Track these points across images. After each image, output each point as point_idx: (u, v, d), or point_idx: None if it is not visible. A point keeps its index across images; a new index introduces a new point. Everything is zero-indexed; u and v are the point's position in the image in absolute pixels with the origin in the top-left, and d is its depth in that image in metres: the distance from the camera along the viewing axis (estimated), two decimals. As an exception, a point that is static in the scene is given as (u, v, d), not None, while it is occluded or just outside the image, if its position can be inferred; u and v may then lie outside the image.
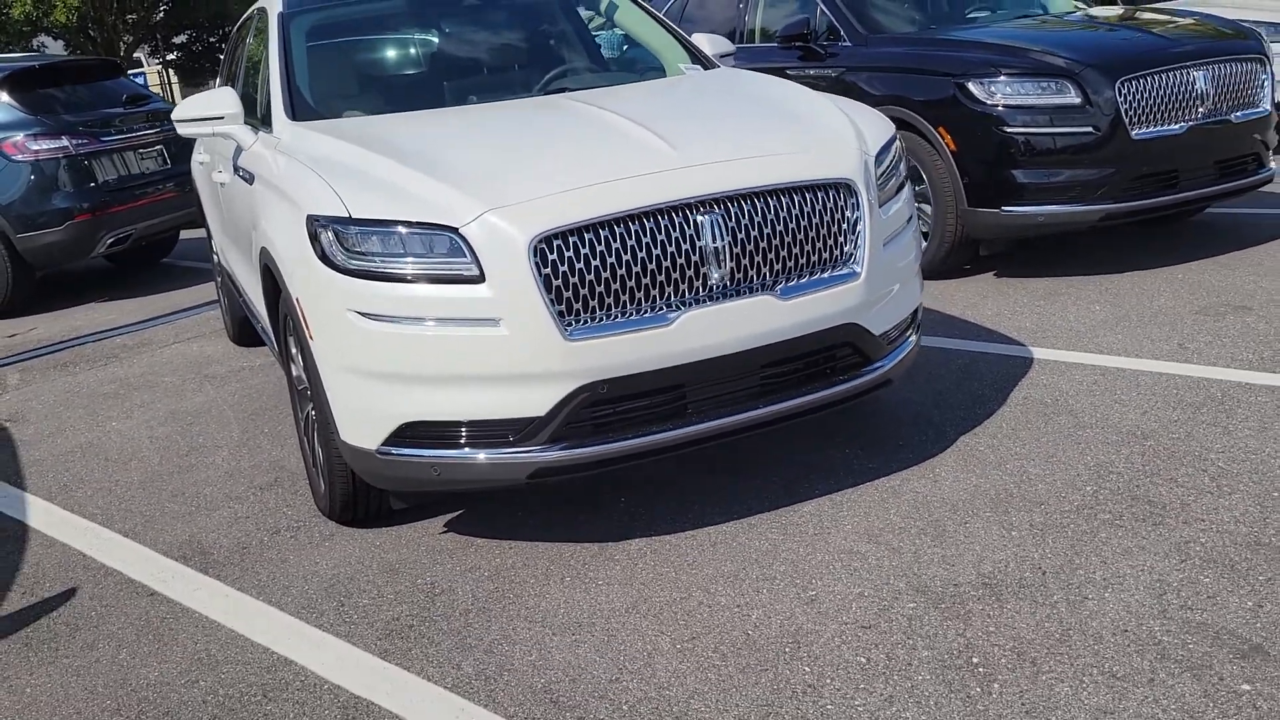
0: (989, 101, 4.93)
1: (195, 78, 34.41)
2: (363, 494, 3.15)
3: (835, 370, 3.02)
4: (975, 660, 2.29)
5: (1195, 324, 4.22)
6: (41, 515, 3.73)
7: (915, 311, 3.31)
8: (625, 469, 3.04)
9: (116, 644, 2.79)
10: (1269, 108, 5.13)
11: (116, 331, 6.55)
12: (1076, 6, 6.22)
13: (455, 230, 2.68)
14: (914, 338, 3.30)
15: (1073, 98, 4.79)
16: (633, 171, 2.78)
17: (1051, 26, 5.65)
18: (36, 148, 7.01)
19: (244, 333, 5.50)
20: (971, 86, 4.98)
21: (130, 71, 31.45)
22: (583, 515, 3.19)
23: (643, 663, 2.43)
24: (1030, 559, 2.66)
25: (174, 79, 36.61)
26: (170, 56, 33.11)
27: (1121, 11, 6.17)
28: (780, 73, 6.09)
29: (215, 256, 5.57)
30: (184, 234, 8.73)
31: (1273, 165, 5.31)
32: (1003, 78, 4.92)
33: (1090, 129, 4.78)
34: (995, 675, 2.23)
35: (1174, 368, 3.80)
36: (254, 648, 2.68)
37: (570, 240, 2.66)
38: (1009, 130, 4.88)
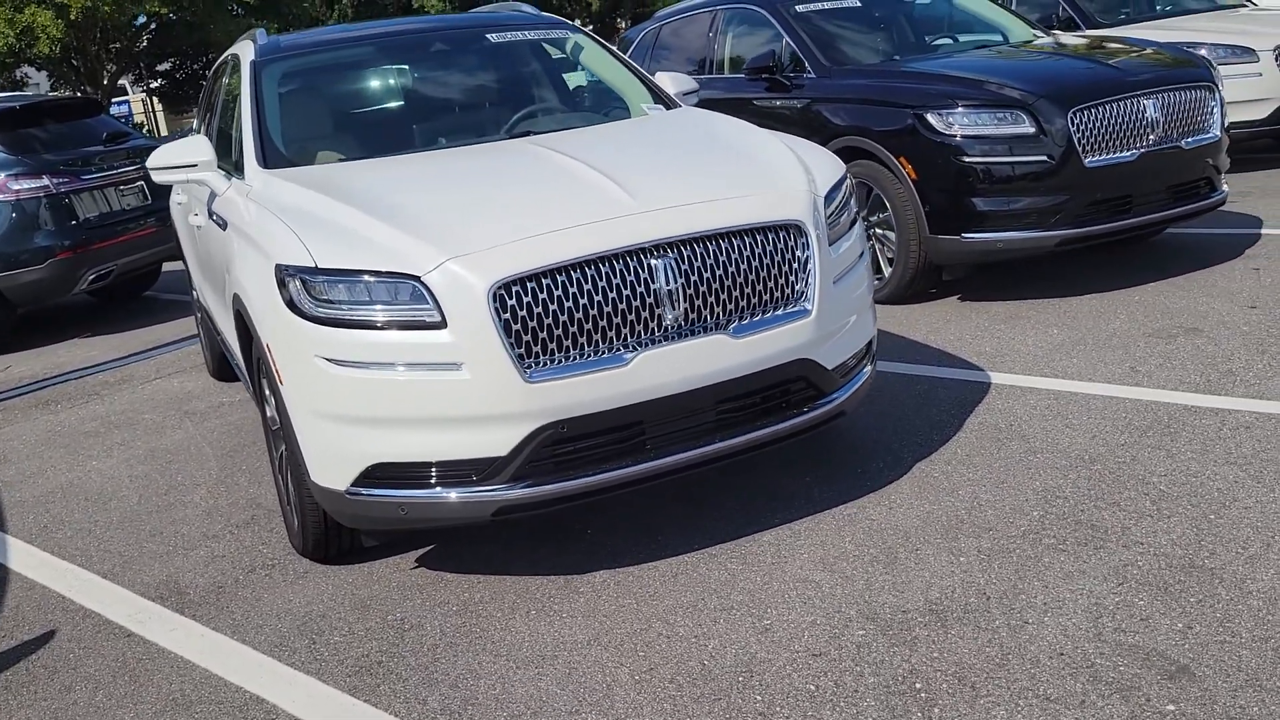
0: (947, 132, 5.07)
1: (179, 105, 34.59)
2: (334, 532, 3.24)
3: (790, 404, 3.13)
4: (918, 686, 2.39)
5: (1147, 346, 4.35)
6: (22, 557, 3.81)
7: (869, 343, 3.43)
8: (590, 502, 3.13)
9: (94, 686, 2.87)
10: (1219, 133, 5.29)
11: (98, 368, 6.62)
12: (1035, 35, 6.38)
13: (417, 279, 2.78)
14: (869, 369, 3.41)
15: (1027, 128, 4.93)
16: (588, 218, 2.89)
17: (1009, 57, 5.81)
18: (17, 187, 7.10)
19: (223, 368, 5.58)
20: (930, 117, 5.12)
21: (115, 99, 31.41)
22: (549, 548, 3.29)
23: (602, 694, 2.52)
24: (976, 584, 2.77)
25: (158, 106, 36.73)
26: (154, 84, 33.26)
27: (1089, 40, 6.31)
28: (748, 103, 6.26)
29: (194, 293, 5.66)
30: (166, 266, 8.81)
31: (1225, 188, 5.47)
32: (960, 109, 5.06)
33: (1044, 157, 4.92)
34: (936, 700, 2.33)
35: (1124, 391, 3.92)
36: (227, 687, 2.77)
37: (528, 286, 2.77)
38: (967, 160, 5.02)
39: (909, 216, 5.26)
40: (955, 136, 5.05)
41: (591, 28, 35.06)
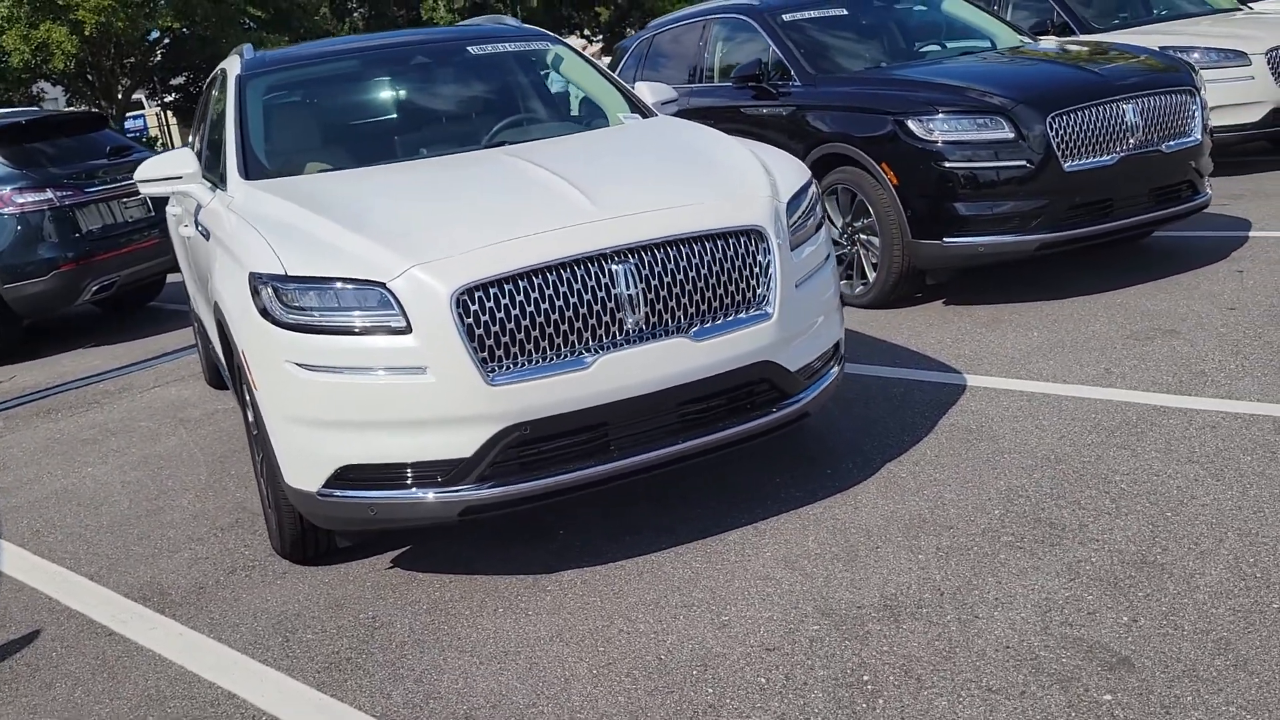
0: (928, 138, 5.12)
1: (193, 118, 34.92)
2: (310, 533, 3.32)
3: (753, 405, 3.19)
4: (866, 679, 2.44)
5: (1124, 348, 4.38)
6: (14, 561, 3.90)
7: (836, 345, 3.48)
8: (558, 502, 3.20)
9: (73, 683, 2.95)
10: (1200, 136, 5.32)
11: (100, 377, 6.74)
12: (1023, 41, 6.43)
13: (383, 285, 2.86)
14: (835, 370, 3.47)
15: (1006, 133, 4.98)
16: (551, 225, 2.97)
17: (992, 63, 5.86)
18: (21, 201, 7.24)
19: (218, 376, 5.67)
20: (911, 124, 5.17)
21: (131, 114, 31.72)
22: (520, 548, 3.35)
23: (560, 688, 2.58)
24: (931, 581, 2.82)
25: (173, 120, 37.13)
26: (168, 98, 33.63)
27: (1075, 46, 6.35)
28: (737, 110, 6.34)
29: (191, 302, 5.77)
30: (170, 277, 8.93)
31: (1209, 190, 5.49)
32: (940, 115, 5.12)
33: (1024, 162, 4.97)
34: (881, 692, 2.38)
35: (1097, 392, 3.96)
36: (201, 683, 2.84)
37: (491, 291, 2.84)
38: (947, 165, 5.07)
39: (891, 222, 5.31)
40: (936, 142, 5.10)
41: (601, 37, 35.27)
